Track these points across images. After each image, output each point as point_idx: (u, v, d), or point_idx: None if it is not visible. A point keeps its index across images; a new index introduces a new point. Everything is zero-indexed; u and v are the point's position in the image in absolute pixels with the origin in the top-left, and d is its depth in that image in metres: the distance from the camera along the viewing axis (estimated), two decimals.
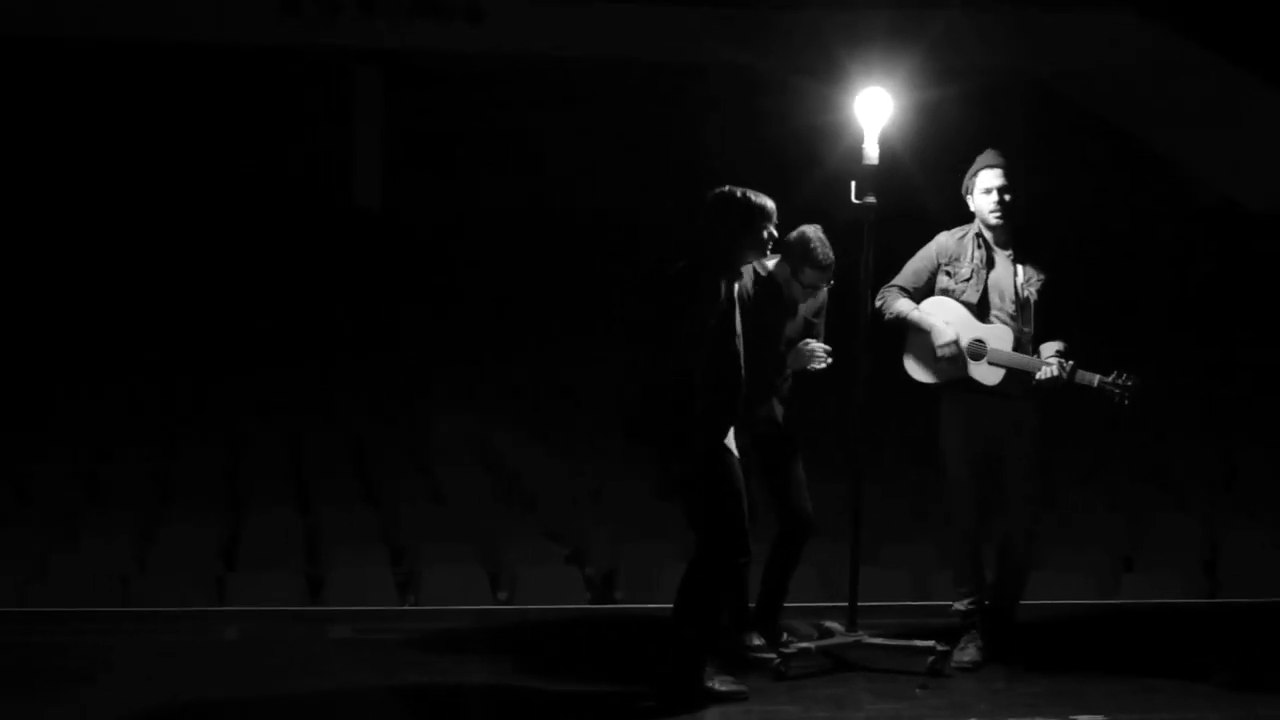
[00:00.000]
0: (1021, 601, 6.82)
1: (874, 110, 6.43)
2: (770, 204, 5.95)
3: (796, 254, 6.44)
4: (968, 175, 6.63)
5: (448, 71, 19.07)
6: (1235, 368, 15.84)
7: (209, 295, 16.66)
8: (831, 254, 6.47)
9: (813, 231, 6.47)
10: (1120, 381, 6.38)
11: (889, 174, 6.53)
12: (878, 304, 6.65)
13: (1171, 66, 18.39)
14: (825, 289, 6.62)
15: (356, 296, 17.08)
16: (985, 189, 6.54)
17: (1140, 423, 13.71)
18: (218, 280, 17.00)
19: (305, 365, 15.11)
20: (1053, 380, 6.40)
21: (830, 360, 6.49)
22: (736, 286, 5.97)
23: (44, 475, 11.19)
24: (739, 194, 5.93)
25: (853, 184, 6.41)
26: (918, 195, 6.68)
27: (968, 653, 6.55)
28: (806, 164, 9.62)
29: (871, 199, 6.40)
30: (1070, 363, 6.40)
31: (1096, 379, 6.39)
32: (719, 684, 5.95)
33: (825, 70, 12.51)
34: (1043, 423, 6.59)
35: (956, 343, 6.52)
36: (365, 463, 12.10)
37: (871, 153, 6.43)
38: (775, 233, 5.99)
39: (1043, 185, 18.46)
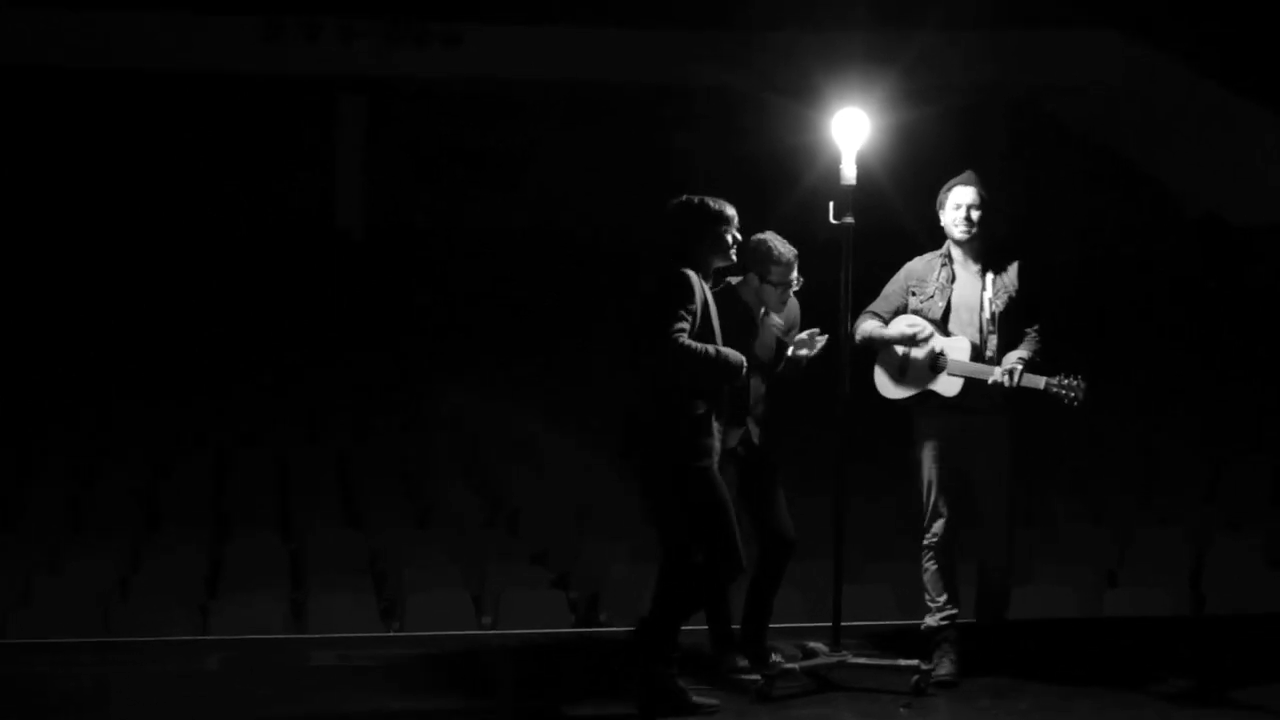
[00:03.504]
0: (1005, 618, 6.85)
1: (851, 130, 6.46)
2: (730, 209, 6.06)
3: (760, 259, 6.50)
4: (942, 190, 6.72)
5: (429, 96, 19.11)
6: (1219, 380, 15.86)
7: (193, 318, 16.64)
8: (792, 247, 6.56)
9: (767, 235, 6.56)
10: (1067, 383, 6.41)
11: (867, 194, 6.55)
12: (852, 329, 6.66)
13: (1153, 83, 18.47)
14: (796, 305, 6.67)
15: (340, 319, 17.07)
16: (955, 204, 6.66)
17: (1124, 433, 13.76)
18: (202, 304, 16.99)
19: (290, 388, 15.09)
20: (1001, 386, 6.43)
21: (825, 338, 6.47)
22: (709, 296, 5.99)
23: (28, 499, 11.15)
24: (697, 200, 6.05)
25: (830, 204, 6.44)
26: (896, 215, 6.70)
27: (943, 667, 6.56)
28: (784, 184, 9.66)
29: (849, 219, 6.43)
30: (1019, 367, 6.43)
31: (1043, 381, 6.44)
32: (693, 695, 5.97)
33: (802, 91, 12.58)
34: (1015, 441, 6.65)
35: (915, 334, 6.56)
36: (350, 486, 12.07)
37: (849, 173, 6.45)
38: (738, 236, 6.07)
39: (1024, 202, 18.66)
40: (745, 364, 6.02)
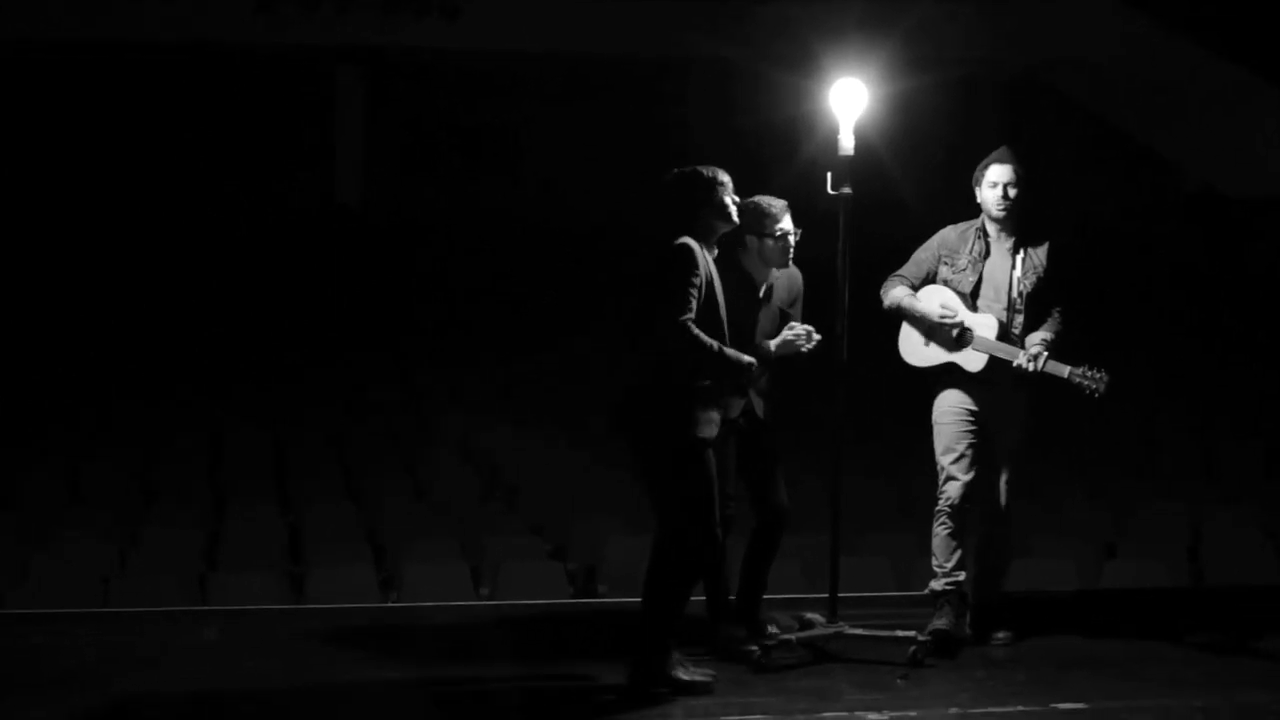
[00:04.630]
0: (1002, 591, 6.88)
1: (849, 101, 6.45)
2: (724, 174, 6.07)
3: (754, 218, 6.49)
4: (979, 167, 6.78)
5: (427, 68, 19.06)
6: (1217, 356, 15.86)
7: (189, 295, 16.62)
8: (782, 200, 6.57)
9: (756, 197, 6.52)
10: (1091, 374, 6.52)
11: (864, 165, 6.55)
12: (881, 293, 6.80)
13: (1150, 54, 18.41)
14: (799, 277, 6.66)
15: (338, 295, 17.04)
16: (992, 183, 6.72)
17: (1123, 411, 13.76)
18: (198, 280, 16.96)
19: (287, 363, 15.08)
20: (1025, 370, 6.53)
21: (819, 339, 6.49)
22: (713, 268, 5.98)
23: (26, 477, 11.15)
24: (690, 170, 6.06)
25: (828, 175, 6.44)
26: (894, 186, 6.72)
27: (941, 619, 6.62)
28: (782, 156, 9.63)
29: (847, 190, 6.44)
30: (1045, 353, 6.52)
31: (1067, 370, 6.57)
32: (684, 673, 5.95)
33: (800, 62, 12.52)
34: (1032, 416, 6.75)
35: (947, 320, 6.60)
36: (348, 461, 12.07)
37: (847, 144, 6.45)
38: (736, 199, 6.07)
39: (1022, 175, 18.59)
40: (754, 365, 6.01)
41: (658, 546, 5.95)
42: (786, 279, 6.68)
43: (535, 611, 7.80)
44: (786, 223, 6.58)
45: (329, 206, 19.07)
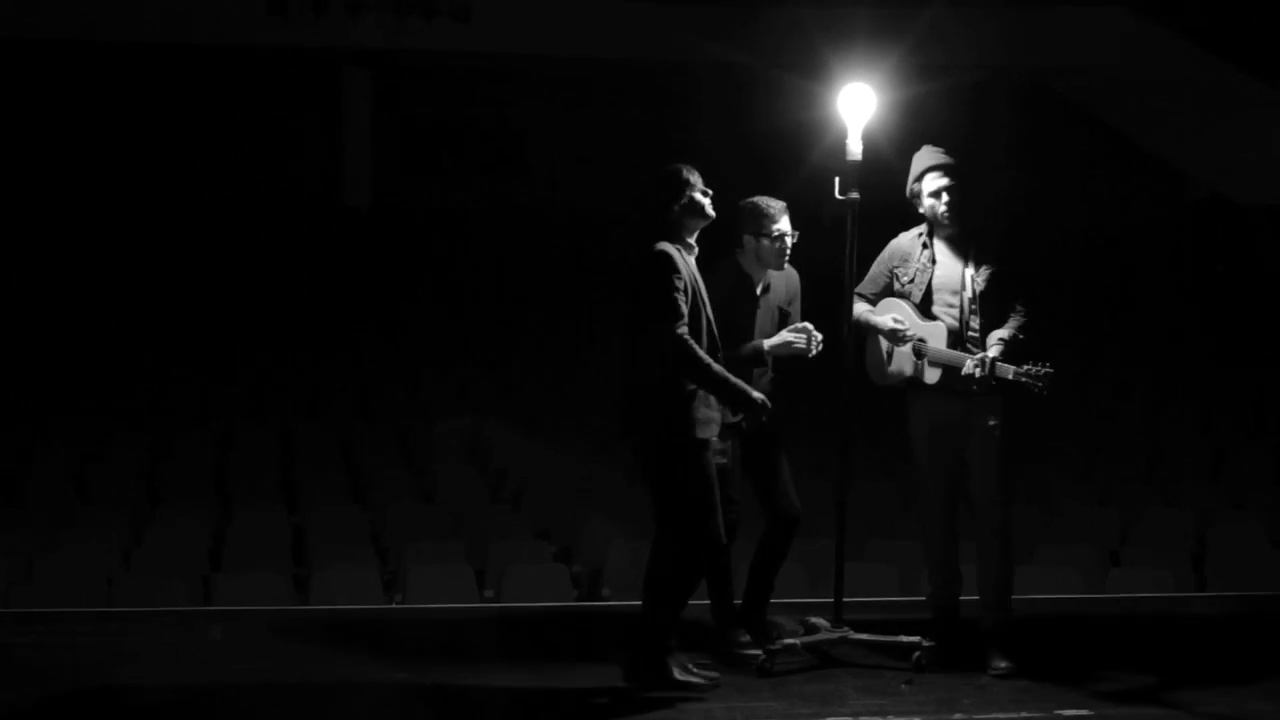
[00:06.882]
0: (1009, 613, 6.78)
1: (857, 106, 6.45)
2: (685, 171, 6.09)
3: (751, 218, 6.51)
4: (910, 179, 6.65)
5: (436, 70, 19.07)
6: (1223, 360, 15.84)
7: (198, 294, 16.63)
8: (780, 200, 6.57)
9: (755, 198, 6.56)
10: (1033, 372, 6.35)
11: (873, 170, 6.54)
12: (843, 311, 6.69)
13: (1159, 61, 18.41)
14: (796, 277, 6.66)
15: (345, 296, 17.06)
16: (932, 191, 6.58)
17: (1129, 415, 13.75)
18: (207, 280, 16.98)
19: (294, 364, 15.09)
20: (974, 377, 6.39)
21: (820, 340, 6.47)
22: (695, 270, 5.99)
23: (32, 475, 11.16)
24: (665, 169, 6.11)
25: (837, 180, 6.44)
26: (902, 190, 6.69)
27: (935, 642, 6.58)
28: (790, 161, 9.64)
29: (855, 195, 6.44)
30: (990, 357, 6.38)
31: (1012, 371, 6.37)
32: (680, 673, 5.97)
33: (808, 67, 12.54)
34: (1007, 422, 6.55)
35: (901, 333, 6.54)
36: (353, 461, 12.07)
37: (855, 149, 6.45)
38: (708, 191, 6.09)
39: (1030, 181, 18.60)
40: (766, 404, 5.99)
41: (657, 548, 5.96)
42: (784, 278, 6.68)
43: (539, 614, 7.79)
44: (784, 224, 6.56)
45: (336, 207, 19.09)
